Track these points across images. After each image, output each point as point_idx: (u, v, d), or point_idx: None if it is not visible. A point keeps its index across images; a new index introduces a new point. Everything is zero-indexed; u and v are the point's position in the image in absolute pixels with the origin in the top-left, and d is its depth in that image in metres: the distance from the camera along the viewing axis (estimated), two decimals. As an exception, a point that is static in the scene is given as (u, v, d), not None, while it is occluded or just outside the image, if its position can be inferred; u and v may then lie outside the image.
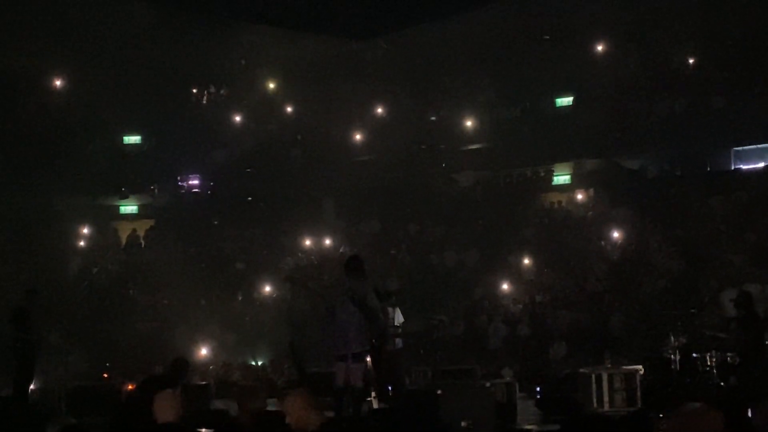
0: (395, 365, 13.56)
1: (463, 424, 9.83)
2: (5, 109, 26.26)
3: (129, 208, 28.84)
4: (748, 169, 23.55)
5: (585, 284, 19.66)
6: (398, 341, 13.70)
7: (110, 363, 18.20)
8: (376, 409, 11.68)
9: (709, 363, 12.36)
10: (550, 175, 26.50)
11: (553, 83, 26.26)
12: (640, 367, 12.35)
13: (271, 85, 29.94)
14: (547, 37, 26.44)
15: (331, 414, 9.84)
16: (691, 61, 24.90)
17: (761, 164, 23.27)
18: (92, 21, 25.04)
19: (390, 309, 13.68)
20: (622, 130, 24.48)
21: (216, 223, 27.01)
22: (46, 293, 16.20)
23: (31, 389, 13.99)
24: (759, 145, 23.75)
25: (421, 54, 27.35)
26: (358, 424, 9.46)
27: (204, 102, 29.99)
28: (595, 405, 11.65)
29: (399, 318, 14.00)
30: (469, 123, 26.87)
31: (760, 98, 22.90)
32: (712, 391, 11.81)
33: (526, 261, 21.36)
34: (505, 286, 20.91)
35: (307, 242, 24.53)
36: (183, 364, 9.68)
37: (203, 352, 19.36)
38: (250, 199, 27.91)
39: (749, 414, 5.49)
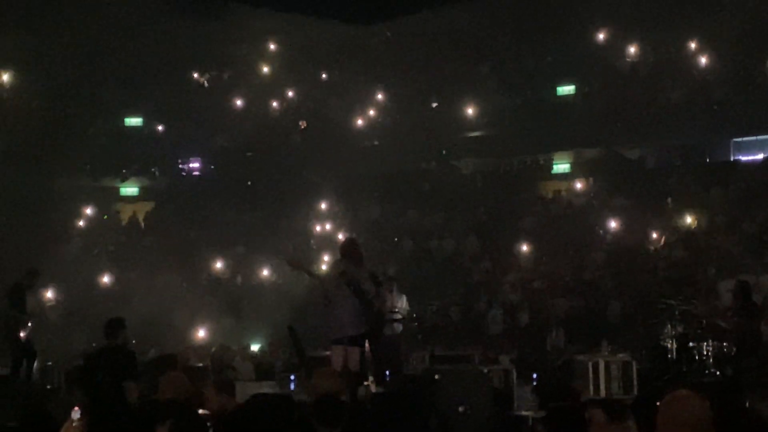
0: (394, 350, 13.66)
1: (460, 409, 9.92)
2: (8, 91, 26.28)
3: (129, 190, 28.90)
4: (747, 160, 23.60)
5: (583, 272, 19.74)
6: (397, 326, 13.81)
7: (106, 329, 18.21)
8: (374, 393, 11.76)
9: (705, 352, 12.49)
10: (549, 163, 26.55)
11: (554, 72, 26.26)
12: (629, 357, 12.42)
13: (273, 70, 29.90)
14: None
15: None
16: (691, 51, 24.90)
17: (760, 156, 23.30)
18: (96, 3, 25.00)
19: (390, 294, 13.79)
20: (623, 120, 24.52)
21: (216, 205, 27.05)
22: (47, 273, 16.26)
23: (35, 367, 14.08)
24: (758, 137, 23.79)
25: (424, 41, 27.33)
26: (355, 407, 9.54)
27: (206, 85, 29.97)
28: (591, 392, 11.73)
29: (404, 304, 14.09)
30: (470, 110, 26.87)
31: (761, 89, 22.94)
32: (708, 380, 11.91)
33: (525, 248, 21.44)
34: (503, 274, 20.98)
35: (307, 226, 24.59)
36: (116, 323, 9.46)
37: (201, 334, 19.44)
38: (250, 183, 27.94)
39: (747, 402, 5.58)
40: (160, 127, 29.00)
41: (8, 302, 13.82)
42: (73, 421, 5.54)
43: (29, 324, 13.92)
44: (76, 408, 5.75)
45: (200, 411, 6.51)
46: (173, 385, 6.53)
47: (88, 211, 26.16)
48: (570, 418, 5.36)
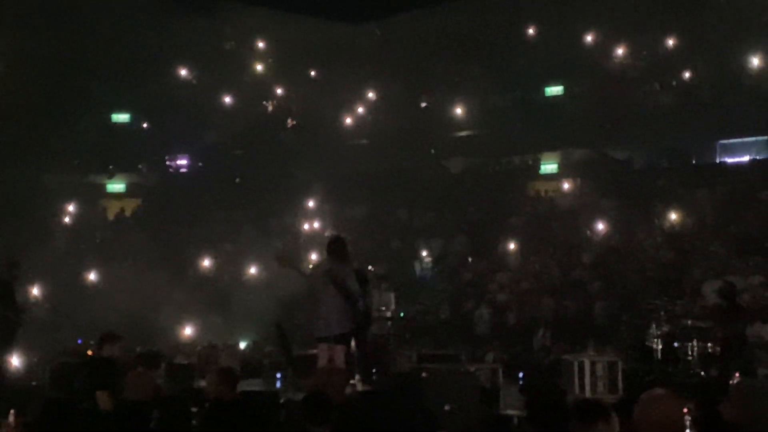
0: (381, 348, 13.67)
1: (446, 407, 9.94)
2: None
3: (116, 186, 28.82)
4: (733, 162, 23.76)
5: (570, 272, 19.81)
6: (385, 324, 13.82)
7: (95, 340, 18.21)
8: (360, 391, 11.76)
9: (690, 353, 12.54)
10: (538, 163, 26.64)
11: (543, 73, 26.34)
12: (615, 357, 12.46)
13: (263, 68, 29.87)
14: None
15: None
16: (678, 53, 25.03)
17: (746, 158, 23.46)
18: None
19: (378, 292, 13.81)
20: (611, 121, 24.63)
21: (204, 203, 27.00)
22: (32, 269, 16.17)
23: (15, 365, 13.98)
24: (744, 139, 23.95)
25: (414, 40, 27.36)
26: (341, 406, 9.54)
27: (194, 82, 29.89)
28: (577, 392, 11.76)
29: (391, 303, 14.11)
30: (459, 110, 26.93)
31: (747, 92, 23.07)
32: (692, 380, 11.96)
33: (513, 248, 21.49)
34: (491, 273, 21.02)
35: (295, 225, 24.57)
36: (104, 338, 9.44)
37: (188, 332, 19.39)
38: (238, 180, 27.91)
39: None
40: (148, 123, 28.91)
41: None
42: (9, 424, 5.56)
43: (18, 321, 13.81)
44: (12, 411, 5.76)
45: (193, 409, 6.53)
46: (137, 384, 6.54)
47: (75, 206, 26.06)
48: (553, 417, 5.35)
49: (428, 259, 21.86)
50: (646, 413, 4.11)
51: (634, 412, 4.15)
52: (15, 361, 13.83)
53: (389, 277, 16.18)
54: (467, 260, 22.36)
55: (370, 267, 15.23)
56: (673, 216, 20.71)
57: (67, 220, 25.75)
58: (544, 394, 11.15)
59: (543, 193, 25.36)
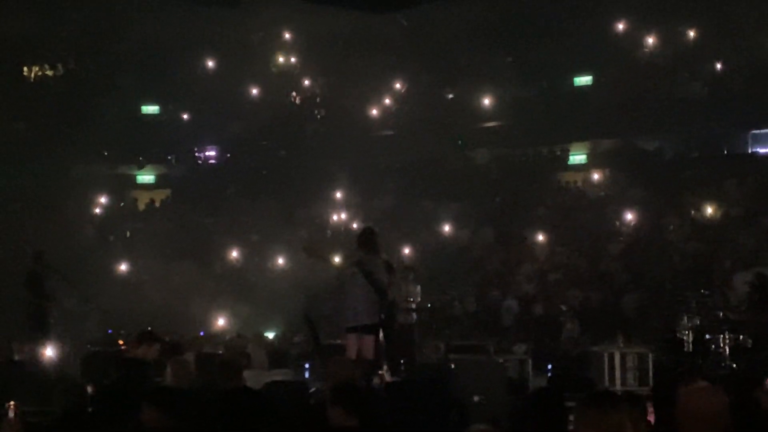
0: (407, 339, 13.68)
1: (475, 398, 9.93)
2: (26, 78, 26.37)
3: (146, 177, 29.03)
4: (765, 152, 23.47)
5: (599, 264, 19.69)
6: (412, 315, 13.83)
7: (125, 330, 18.40)
8: (389, 382, 11.76)
9: (721, 345, 12.44)
10: (566, 154, 26.45)
11: (571, 62, 26.13)
12: (645, 349, 12.37)
13: (290, 59, 29.89)
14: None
15: None
16: (709, 42, 24.73)
17: (778, 148, 23.20)
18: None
19: (405, 282, 13.81)
20: (640, 111, 24.40)
21: (231, 194, 27.13)
22: (62, 260, 16.33)
23: (47, 354, 14.16)
24: (776, 129, 23.67)
25: (440, 30, 27.24)
26: (370, 396, 9.54)
27: (222, 73, 29.98)
28: (607, 383, 11.71)
29: (417, 294, 14.11)
30: (486, 100, 26.79)
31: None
32: (723, 372, 11.86)
33: (540, 239, 21.39)
34: (518, 264, 20.95)
35: (322, 215, 24.62)
36: (139, 337, 9.42)
37: (216, 321, 19.52)
38: (265, 172, 28.00)
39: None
40: (176, 115, 29.08)
41: (29, 292, 13.93)
42: (9, 419, 5.59)
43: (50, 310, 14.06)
44: (13, 404, 5.78)
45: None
46: (179, 370, 6.68)
47: (105, 198, 26.30)
48: (548, 404, 5.28)
49: None
50: (691, 406, 4.07)
51: (677, 404, 4.11)
52: (48, 351, 14.02)
53: (415, 268, 16.19)
54: (493, 251, 22.27)
55: (402, 259, 15.24)
56: (703, 207, 20.51)
57: (97, 210, 25.99)
58: (573, 385, 11.09)
59: (572, 184, 25.20)
